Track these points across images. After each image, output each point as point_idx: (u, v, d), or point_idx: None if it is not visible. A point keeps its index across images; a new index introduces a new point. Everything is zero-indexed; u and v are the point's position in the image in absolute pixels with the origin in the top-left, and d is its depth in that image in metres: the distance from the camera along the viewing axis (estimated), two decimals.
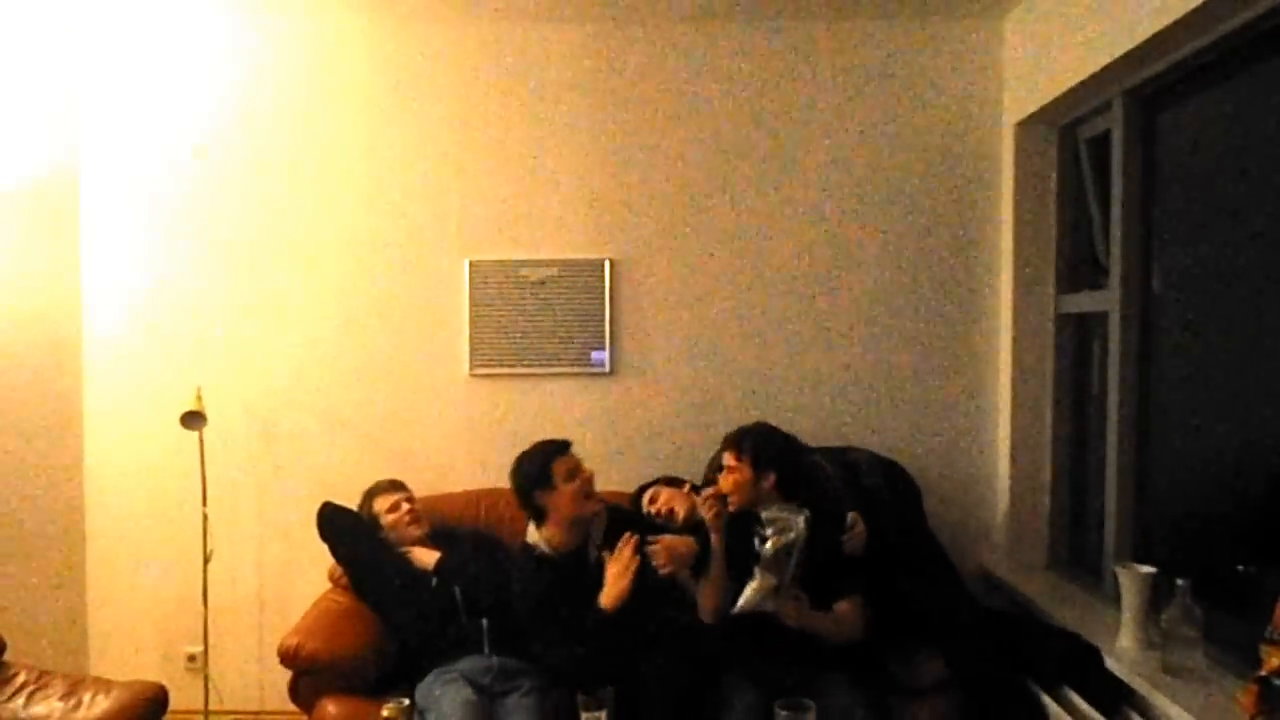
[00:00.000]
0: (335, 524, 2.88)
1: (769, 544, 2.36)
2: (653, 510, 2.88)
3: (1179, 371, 2.69)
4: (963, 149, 3.36)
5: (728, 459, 2.57)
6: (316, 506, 2.92)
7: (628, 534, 2.61)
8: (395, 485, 3.05)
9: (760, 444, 2.57)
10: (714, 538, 2.51)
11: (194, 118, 3.39)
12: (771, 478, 2.53)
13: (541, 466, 2.64)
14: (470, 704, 2.45)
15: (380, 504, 2.96)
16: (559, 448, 2.68)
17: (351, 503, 2.99)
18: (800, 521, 2.37)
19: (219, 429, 3.26)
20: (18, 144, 3.11)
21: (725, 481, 2.55)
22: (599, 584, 2.58)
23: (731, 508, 2.53)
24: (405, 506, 2.95)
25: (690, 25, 3.36)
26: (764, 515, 2.40)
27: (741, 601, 2.36)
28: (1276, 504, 2.24)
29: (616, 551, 2.60)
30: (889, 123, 3.37)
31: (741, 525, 2.54)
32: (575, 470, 2.66)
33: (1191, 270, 2.65)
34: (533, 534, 2.73)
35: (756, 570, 2.36)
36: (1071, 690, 2.40)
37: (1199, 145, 2.61)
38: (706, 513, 2.50)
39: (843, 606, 2.49)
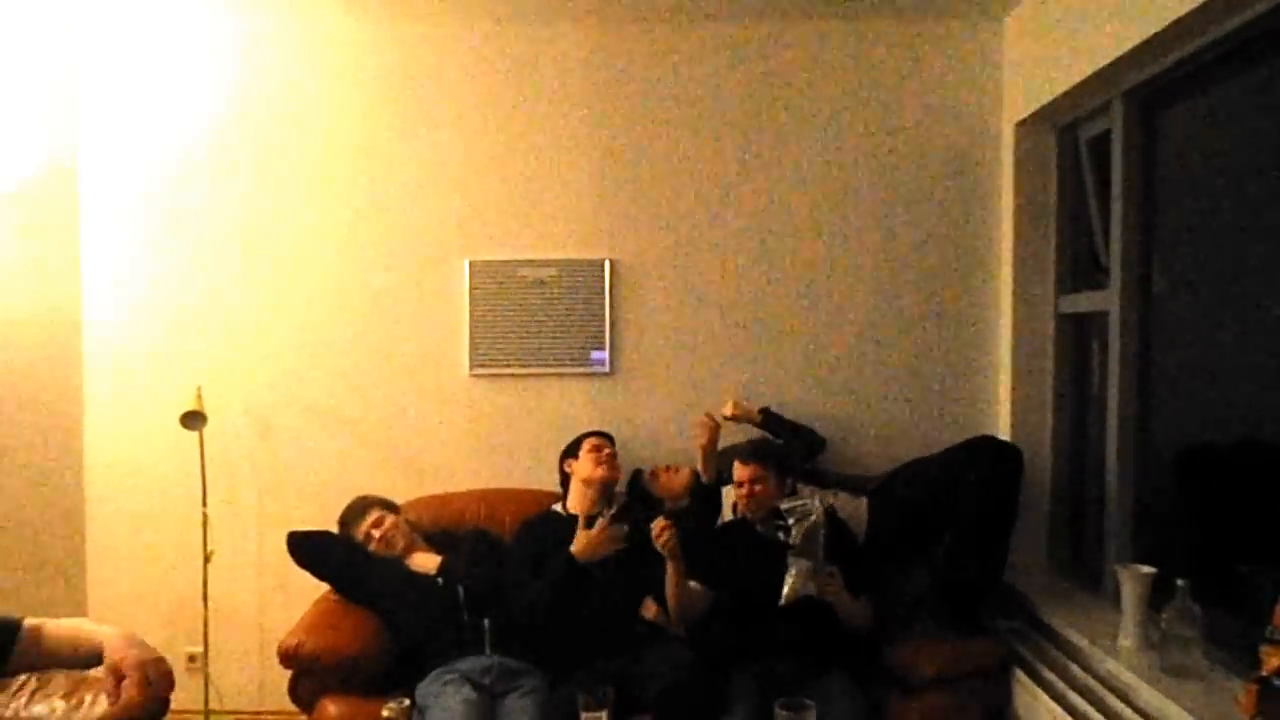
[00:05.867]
0: (305, 550, 2.85)
1: (794, 532, 2.48)
2: (656, 486, 3.13)
3: (1179, 371, 2.69)
4: (963, 149, 3.36)
5: (751, 472, 2.69)
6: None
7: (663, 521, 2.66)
8: (367, 507, 2.96)
9: (778, 455, 2.80)
10: (671, 565, 2.63)
11: (194, 117, 3.39)
12: (789, 482, 2.77)
13: (576, 441, 3.08)
14: (470, 704, 2.45)
15: (358, 531, 2.91)
16: (598, 433, 3.10)
17: (347, 501, 2.99)
18: (816, 503, 2.53)
19: (219, 429, 3.27)
20: (18, 143, 3.10)
21: (758, 491, 2.68)
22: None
23: (757, 514, 2.70)
24: (375, 535, 2.87)
25: (690, 25, 3.36)
26: (782, 508, 2.53)
27: (786, 591, 2.47)
28: (1276, 503, 2.24)
29: (611, 521, 2.77)
30: (889, 122, 3.37)
31: (737, 529, 2.77)
32: (600, 447, 3.00)
33: (1191, 270, 2.65)
34: (558, 506, 3.04)
35: (790, 560, 2.48)
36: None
37: (1199, 145, 2.62)
38: (663, 544, 2.58)
39: (862, 600, 2.62)
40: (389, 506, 3.01)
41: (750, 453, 2.74)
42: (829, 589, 2.50)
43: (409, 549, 2.89)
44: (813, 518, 2.48)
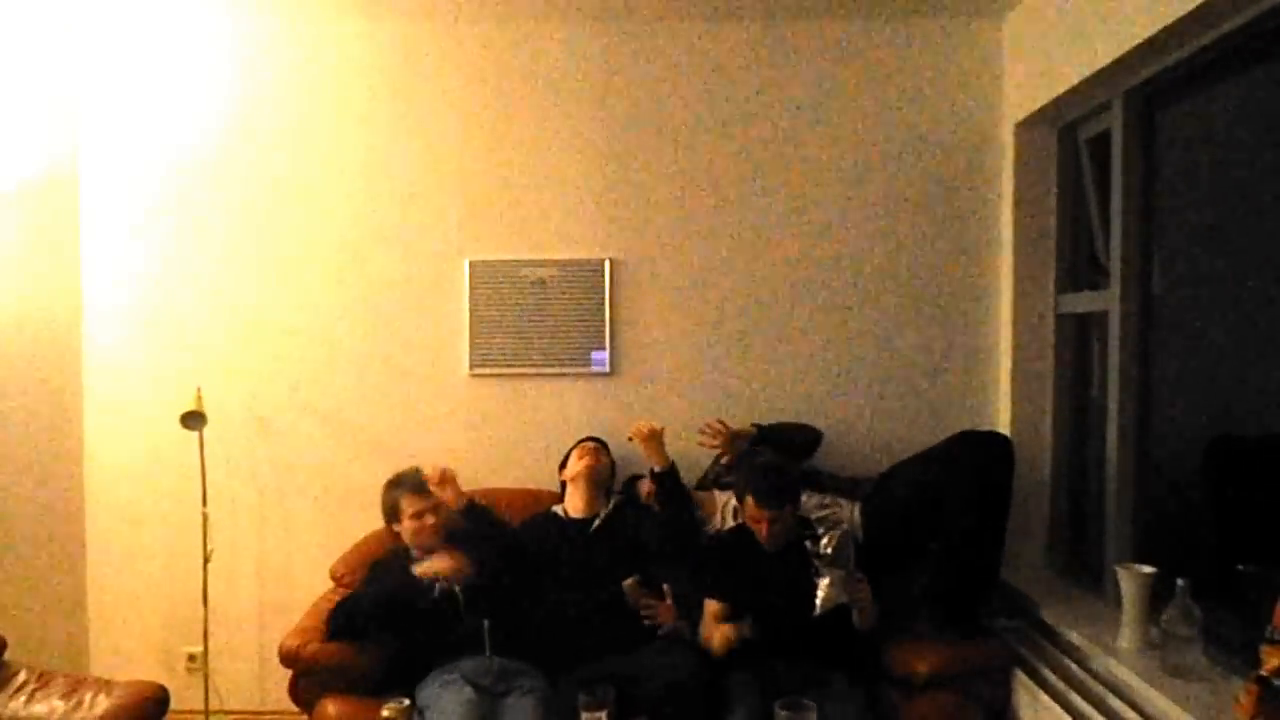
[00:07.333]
0: (347, 632, 2.69)
1: (825, 541, 2.45)
2: (647, 494, 3.09)
3: (1179, 371, 2.69)
4: (963, 149, 3.36)
5: (772, 515, 2.59)
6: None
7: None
8: (423, 488, 2.82)
9: (790, 488, 2.65)
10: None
11: (194, 118, 3.39)
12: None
13: (567, 452, 3.16)
14: (470, 704, 2.45)
15: (407, 505, 2.81)
16: (589, 438, 3.20)
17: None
18: (845, 508, 2.50)
19: (219, 429, 3.27)
20: (18, 144, 3.11)
21: (777, 530, 2.60)
22: (590, 548, 2.88)
23: (777, 546, 2.64)
24: (430, 520, 2.79)
25: (691, 25, 3.36)
26: (813, 517, 2.51)
27: (820, 601, 2.43)
28: (1276, 503, 2.24)
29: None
30: (889, 123, 3.37)
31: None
32: (584, 445, 3.12)
33: (1191, 270, 2.65)
34: (558, 507, 3.08)
35: (823, 569, 2.44)
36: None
37: (1199, 145, 2.62)
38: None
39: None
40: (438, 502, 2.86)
41: (770, 498, 2.59)
42: (860, 596, 2.48)
43: (435, 547, 2.81)
44: (845, 525, 2.46)
